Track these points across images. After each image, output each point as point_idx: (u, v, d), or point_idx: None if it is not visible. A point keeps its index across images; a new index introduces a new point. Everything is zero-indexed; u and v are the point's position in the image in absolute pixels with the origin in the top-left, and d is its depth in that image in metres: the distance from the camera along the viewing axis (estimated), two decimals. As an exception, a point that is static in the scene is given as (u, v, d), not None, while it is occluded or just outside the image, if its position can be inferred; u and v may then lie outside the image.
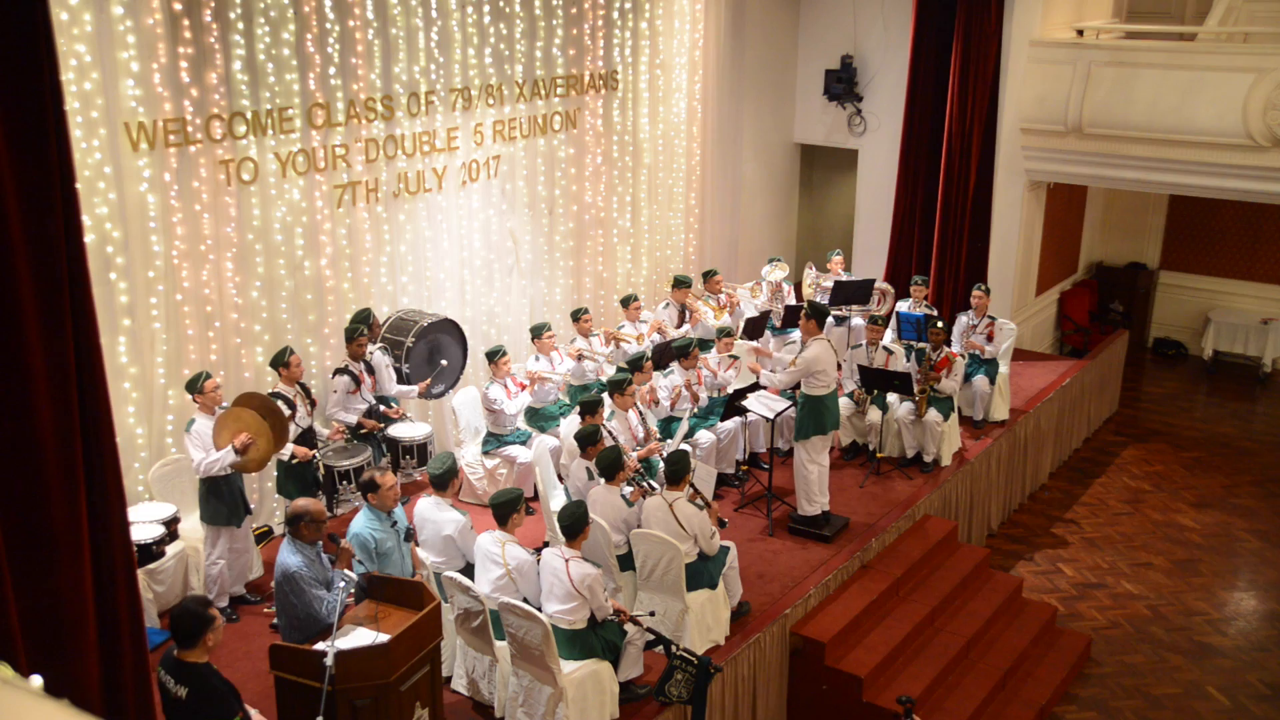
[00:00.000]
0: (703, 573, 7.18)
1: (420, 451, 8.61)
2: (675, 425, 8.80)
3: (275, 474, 8.11)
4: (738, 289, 11.35)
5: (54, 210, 4.75)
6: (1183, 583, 9.82)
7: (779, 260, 11.75)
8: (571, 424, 8.47)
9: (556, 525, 6.53)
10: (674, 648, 6.31)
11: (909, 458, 9.85)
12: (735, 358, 9.81)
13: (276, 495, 8.27)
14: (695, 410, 9.21)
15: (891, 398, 9.89)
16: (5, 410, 4.70)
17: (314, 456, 7.99)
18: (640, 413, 8.62)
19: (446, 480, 6.83)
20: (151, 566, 7.09)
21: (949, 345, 10.24)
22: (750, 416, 8.98)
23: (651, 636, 6.53)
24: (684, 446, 8.45)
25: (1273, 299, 14.44)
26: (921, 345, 10.20)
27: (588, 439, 7.66)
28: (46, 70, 4.68)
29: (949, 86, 11.81)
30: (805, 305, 8.54)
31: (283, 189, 8.25)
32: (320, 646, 5.30)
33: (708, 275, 11.06)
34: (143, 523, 7.13)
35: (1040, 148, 12.20)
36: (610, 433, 8.07)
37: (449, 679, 6.78)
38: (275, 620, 6.84)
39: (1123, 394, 13.41)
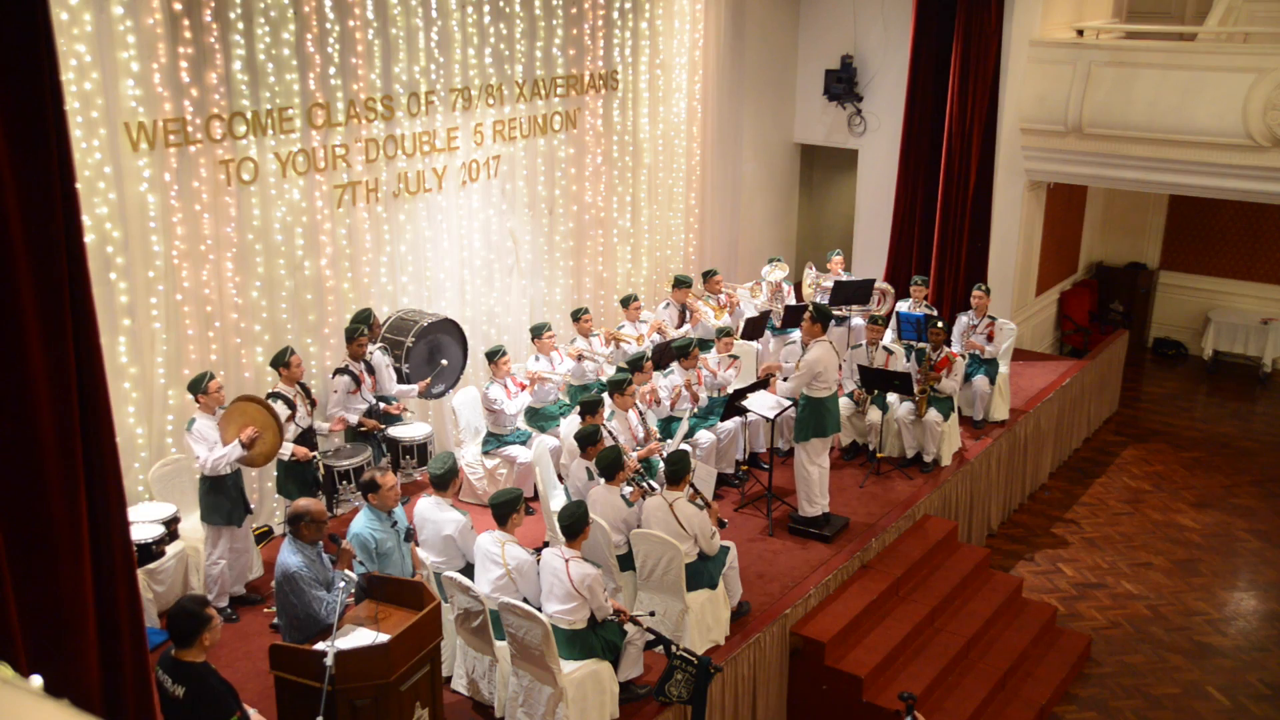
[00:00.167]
0: (703, 573, 7.18)
1: (420, 451, 8.62)
2: (675, 425, 8.80)
3: (275, 474, 8.12)
4: (738, 289, 11.35)
5: (54, 210, 4.75)
6: (1183, 583, 9.82)
7: (779, 260, 11.75)
8: (571, 424, 8.47)
9: (556, 525, 6.53)
10: (674, 648, 6.31)
11: (909, 458, 9.85)
12: (735, 358, 9.81)
13: (276, 495, 8.27)
14: (695, 410, 9.21)
15: (891, 398, 9.89)
16: (5, 410, 4.70)
17: (314, 457, 7.99)
18: (640, 413, 8.62)
19: (447, 480, 6.84)
20: (151, 566, 7.10)
21: (949, 345, 10.24)
22: (750, 416, 8.98)
23: (651, 636, 6.53)
24: (684, 446, 8.45)
25: (1273, 299, 14.45)
26: (921, 345, 10.20)
27: (588, 439, 7.66)
28: (46, 70, 4.68)
29: (949, 86, 11.81)
30: (810, 307, 8.51)
31: (283, 189, 8.25)
32: (320, 646, 5.30)
33: (707, 275, 11.06)
34: (143, 523, 7.13)
35: (1040, 148, 12.20)
36: (610, 433, 8.07)
37: (449, 679, 6.78)
38: (275, 620, 6.84)
39: (1123, 394, 13.42)
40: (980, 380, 10.55)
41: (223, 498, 7.30)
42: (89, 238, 6.66)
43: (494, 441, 8.98)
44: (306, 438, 7.99)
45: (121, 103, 7.21)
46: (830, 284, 11.40)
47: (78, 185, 4.96)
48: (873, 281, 11.62)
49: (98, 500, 5.06)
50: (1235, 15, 12.71)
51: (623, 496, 7.37)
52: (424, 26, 9.03)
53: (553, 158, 10.53)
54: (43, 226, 4.72)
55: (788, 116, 13.89)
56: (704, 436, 9.07)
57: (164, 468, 7.71)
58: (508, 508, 6.53)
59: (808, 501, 8.54)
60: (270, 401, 7.55)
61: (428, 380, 8.81)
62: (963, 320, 10.81)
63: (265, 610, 7.47)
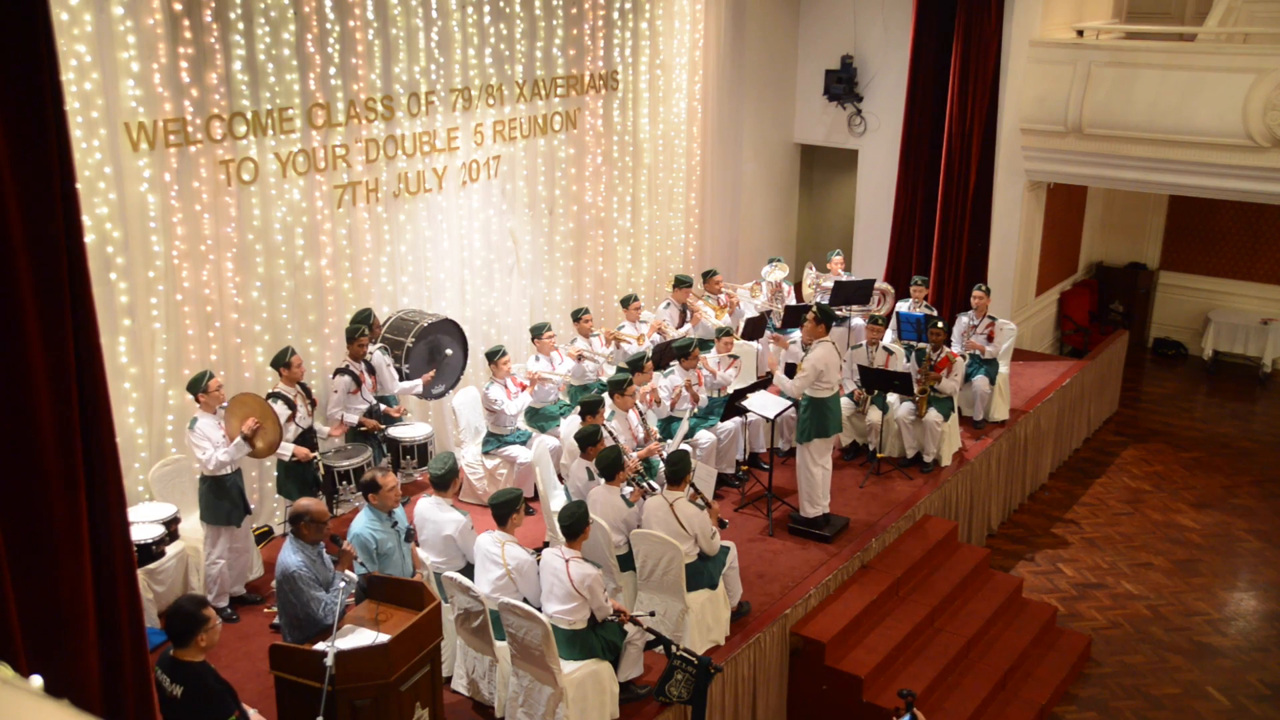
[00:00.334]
0: (703, 573, 7.18)
1: (420, 452, 8.62)
2: (675, 425, 8.80)
3: (275, 474, 8.12)
4: (738, 289, 11.35)
5: (54, 210, 4.74)
6: (1183, 583, 9.82)
7: (779, 260, 11.76)
8: (572, 424, 8.47)
9: (557, 525, 6.53)
10: (674, 648, 6.31)
11: (909, 458, 9.85)
12: (735, 357, 9.81)
13: (277, 495, 8.27)
14: (695, 410, 9.21)
15: (891, 398, 9.89)
16: (5, 410, 4.70)
17: (314, 457, 7.99)
18: (640, 413, 8.62)
19: (447, 480, 6.84)
20: (151, 566, 7.09)
21: (949, 345, 10.24)
22: (750, 416, 8.98)
23: (651, 636, 6.53)
24: (684, 446, 8.45)
25: (1273, 299, 14.45)
26: (921, 345, 10.20)
27: (588, 439, 7.66)
28: (46, 70, 4.68)
29: (949, 86, 11.81)
30: (814, 308, 8.50)
31: (283, 189, 8.25)
32: (320, 646, 5.30)
33: (708, 275, 11.06)
34: (143, 523, 7.13)
35: (1040, 148, 12.20)
36: (610, 433, 8.07)
37: (449, 679, 6.78)
38: (275, 620, 6.85)
39: (1123, 394, 13.42)
40: (980, 380, 10.55)
41: (223, 498, 7.30)
42: (89, 238, 6.66)
43: (494, 442, 8.98)
44: (307, 438, 7.99)
45: (122, 103, 7.21)
46: (830, 284, 11.40)
47: (78, 185, 4.96)
48: (873, 282, 11.62)
49: (98, 500, 5.06)
50: (1235, 15, 12.71)
51: (623, 497, 7.37)
52: (424, 27, 9.03)
53: (553, 158, 10.53)
54: (43, 226, 4.72)
55: (788, 116, 13.89)
56: (704, 436, 9.07)
57: (164, 468, 7.71)
58: (508, 508, 6.53)
59: (810, 502, 8.54)
60: (271, 401, 7.56)
61: (432, 374, 8.82)
62: (963, 320, 10.81)
63: (265, 610, 7.47)
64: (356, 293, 8.93)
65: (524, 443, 8.99)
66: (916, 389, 9.62)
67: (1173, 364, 14.94)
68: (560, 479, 8.51)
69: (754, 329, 10.51)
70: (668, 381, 9.18)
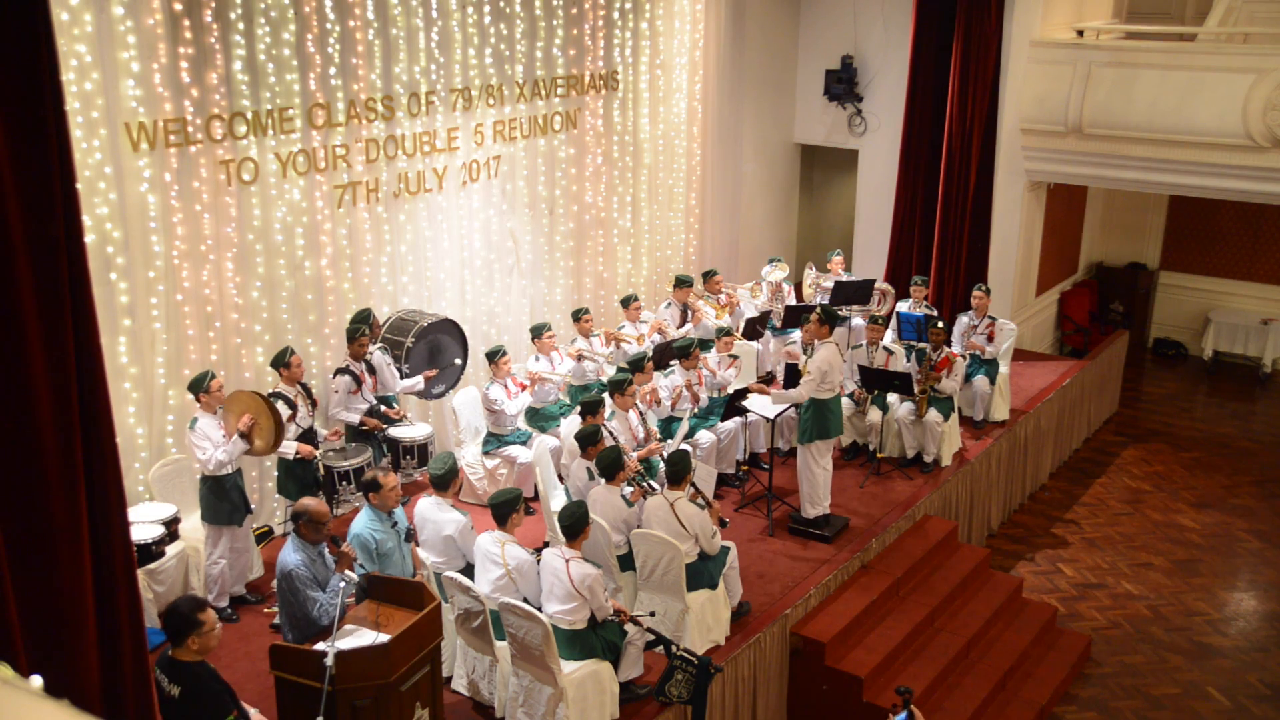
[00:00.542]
0: (703, 573, 7.18)
1: (420, 452, 8.61)
2: (675, 425, 8.80)
3: (275, 474, 8.12)
4: (738, 289, 11.35)
5: (54, 210, 4.74)
6: (1183, 583, 9.82)
7: (779, 260, 11.76)
8: (572, 424, 8.47)
9: (557, 525, 6.53)
10: (674, 648, 6.31)
11: (909, 458, 9.85)
12: (735, 357, 9.81)
13: (277, 495, 8.27)
14: (695, 410, 9.21)
15: (892, 398, 9.89)
16: (5, 410, 4.70)
17: (316, 456, 7.99)
18: (640, 413, 8.62)
19: (447, 480, 6.84)
20: (151, 566, 7.09)
21: (949, 345, 10.24)
22: (750, 416, 8.98)
23: (652, 636, 6.53)
24: (684, 446, 8.44)
25: (1273, 299, 14.44)
26: (922, 345, 10.20)
27: (588, 439, 7.66)
28: (46, 70, 4.68)
29: (949, 86, 11.81)
30: (818, 309, 8.49)
31: (283, 189, 8.25)
32: (320, 646, 5.30)
33: (708, 275, 11.06)
34: (143, 523, 7.13)
35: (1040, 148, 12.20)
36: (610, 433, 8.07)
37: (449, 679, 6.78)
38: (275, 620, 6.85)
39: (1123, 394, 13.42)
40: (980, 380, 10.55)
41: (223, 498, 7.30)
42: (89, 238, 6.65)
43: (494, 442, 8.98)
44: (307, 438, 7.99)
45: (122, 103, 7.21)
46: (830, 284, 11.40)
47: (78, 185, 4.95)
48: (873, 282, 11.62)
49: (98, 500, 5.06)
50: (1235, 15, 12.71)
51: (623, 497, 7.37)
52: (424, 27, 9.03)
53: (553, 158, 10.53)
54: (43, 226, 4.72)
55: (788, 116, 13.89)
56: (704, 436, 9.07)
57: (164, 468, 7.71)
58: (508, 508, 6.53)
59: (810, 503, 8.53)
60: (271, 401, 7.56)
61: (435, 371, 8.82)
62: (963, 320, 10.81)
63: (265, 610, 7.48)
64: (356, 293, 8.93)
65: (524, 443, 8.99)
66: (917, 389, 9.62)
67: (1173, 364, 14.94)
68: (560, 479, 8.51)
69: (754, 329, 10.50)
70: (668, 381, 9.18)
